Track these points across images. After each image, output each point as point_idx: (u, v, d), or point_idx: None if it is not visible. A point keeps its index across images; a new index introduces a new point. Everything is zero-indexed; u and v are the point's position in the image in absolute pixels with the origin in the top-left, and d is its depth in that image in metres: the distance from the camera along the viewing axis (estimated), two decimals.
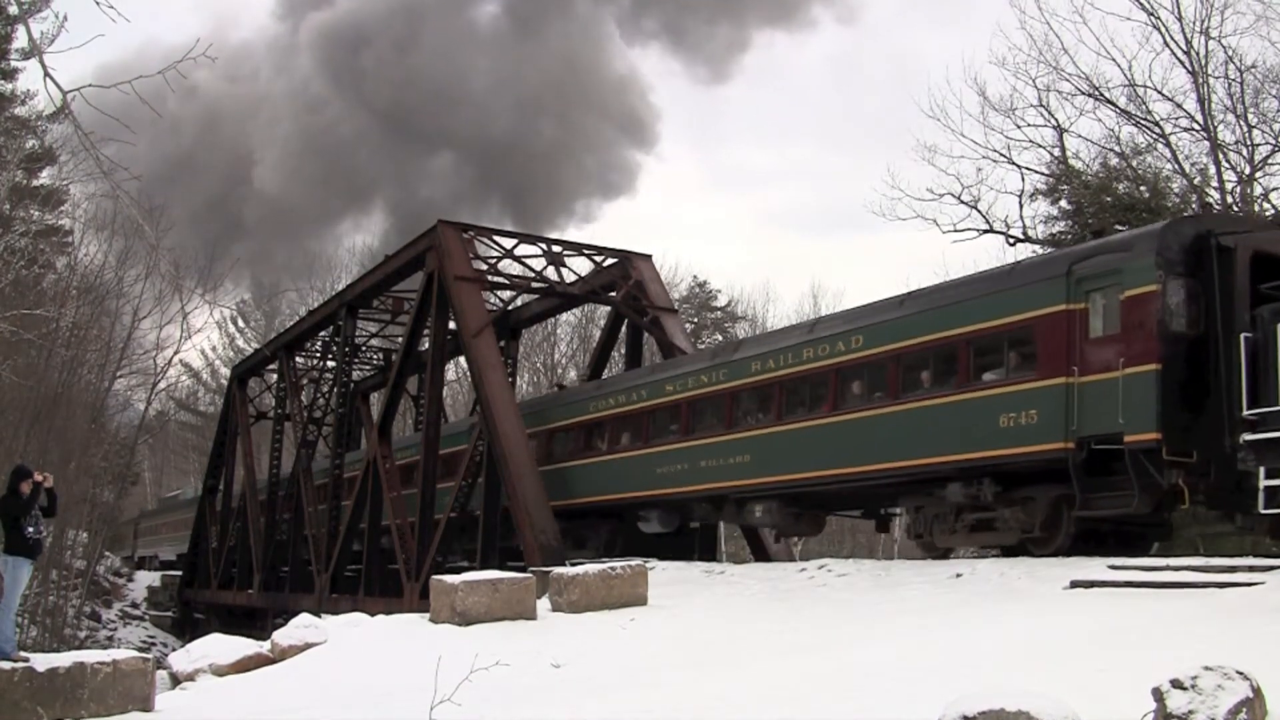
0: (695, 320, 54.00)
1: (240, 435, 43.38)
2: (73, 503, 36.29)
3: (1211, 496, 14.33)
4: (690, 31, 74.31)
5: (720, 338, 52.07)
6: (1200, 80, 25.86)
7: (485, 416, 25.22)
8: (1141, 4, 26.32)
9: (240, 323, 69.93)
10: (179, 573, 50.38)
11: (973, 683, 6.97)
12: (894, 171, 67.36)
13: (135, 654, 12.39)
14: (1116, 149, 27.16)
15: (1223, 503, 14.46)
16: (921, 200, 29.10)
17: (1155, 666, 6.39)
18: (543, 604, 15.42)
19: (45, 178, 38.66)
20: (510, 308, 32.20)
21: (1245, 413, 13.16)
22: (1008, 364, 15.92)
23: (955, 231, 28.21)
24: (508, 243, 29.22)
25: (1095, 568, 12.80)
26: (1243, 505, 13.58)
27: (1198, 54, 25.84)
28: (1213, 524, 21.04)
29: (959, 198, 28.03)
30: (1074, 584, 12.13)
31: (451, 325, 28.06)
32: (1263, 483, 12.69)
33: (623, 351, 33.98)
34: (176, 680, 14.00)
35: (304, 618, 15.42)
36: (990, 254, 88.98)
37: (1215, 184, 26.21)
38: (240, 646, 14.60)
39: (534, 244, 29.51)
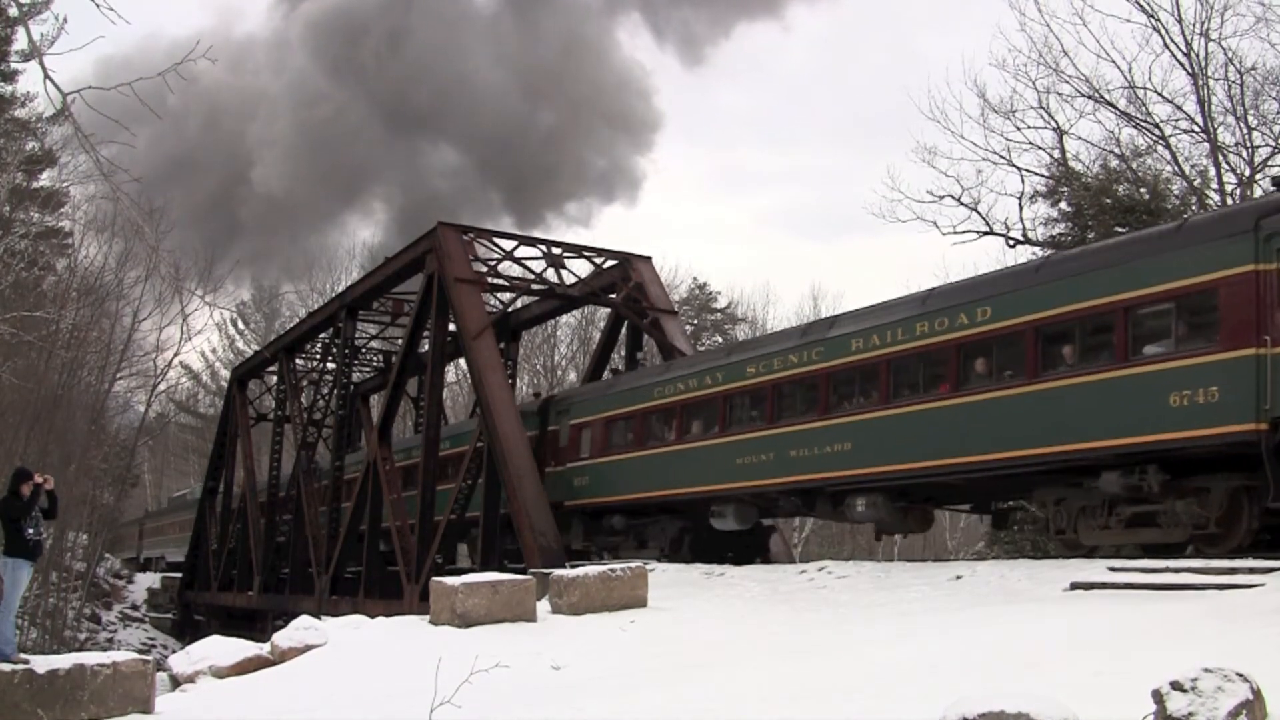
0: (695, 322, 54.00)
1: (240, 437, 43.42)
2: (72, 505, 36.29)
3: None
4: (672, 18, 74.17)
5: (720, 339, 52.06)
6: (1200, 82, 25.94)
7: (485, 418, 25.22)
8: (1141, 6, 26.42)
9: (240, 325, 70.05)
10: (179, 574, 50.42)
11: (973, 684, 6.97)
12: (894, 173, 67.58)
13: (135, 656, 12.39)
14: (1116, 151, 27.24)
15: None
16: (921, 202, 29.21)
17: (1155, 668, 6.39)
18: (543, 606, 15.41)
19: (45, 180, 38.71)
20: (510, 310, 32.24)
21: None
22: (1176, 334, 13.86)
23: (955, 233, 28.28)
24: (508, 245, 29.24)
25: (1095, 569, 12.80)
26: None
27: (1198, 56, 25.92)
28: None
29: (959, 200, 28.12)
30: (1074, 586, 12.13)
31: (451, 327, 28.09)
32: None
33: (622, 353, 34.00)
34: (176, 682, 14.00)
35: (304, 620, 15.41)
36: (990, 256, 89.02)
37: (1215, 186, 26.27)
38: (240, 648, 14.59)
39: (534, 246, 29.53)
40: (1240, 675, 5.76)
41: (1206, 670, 5.77)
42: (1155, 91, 27.05)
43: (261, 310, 69.66)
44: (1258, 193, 25.68)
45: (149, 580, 55.67)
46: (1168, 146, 26.75)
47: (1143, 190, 25.59)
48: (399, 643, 14.22)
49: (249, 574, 39.45)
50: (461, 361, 37.42)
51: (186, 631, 43.33)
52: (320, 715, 10.85)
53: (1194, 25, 26.17)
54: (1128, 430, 14.02)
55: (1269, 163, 26.20)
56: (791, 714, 7.97)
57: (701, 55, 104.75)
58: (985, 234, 28.26)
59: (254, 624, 36.89)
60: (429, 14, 54.19)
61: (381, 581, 28.89)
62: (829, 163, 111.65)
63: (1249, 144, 26.08)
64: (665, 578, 18.13)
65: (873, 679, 8.71)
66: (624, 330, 31.50)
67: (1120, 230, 22.35)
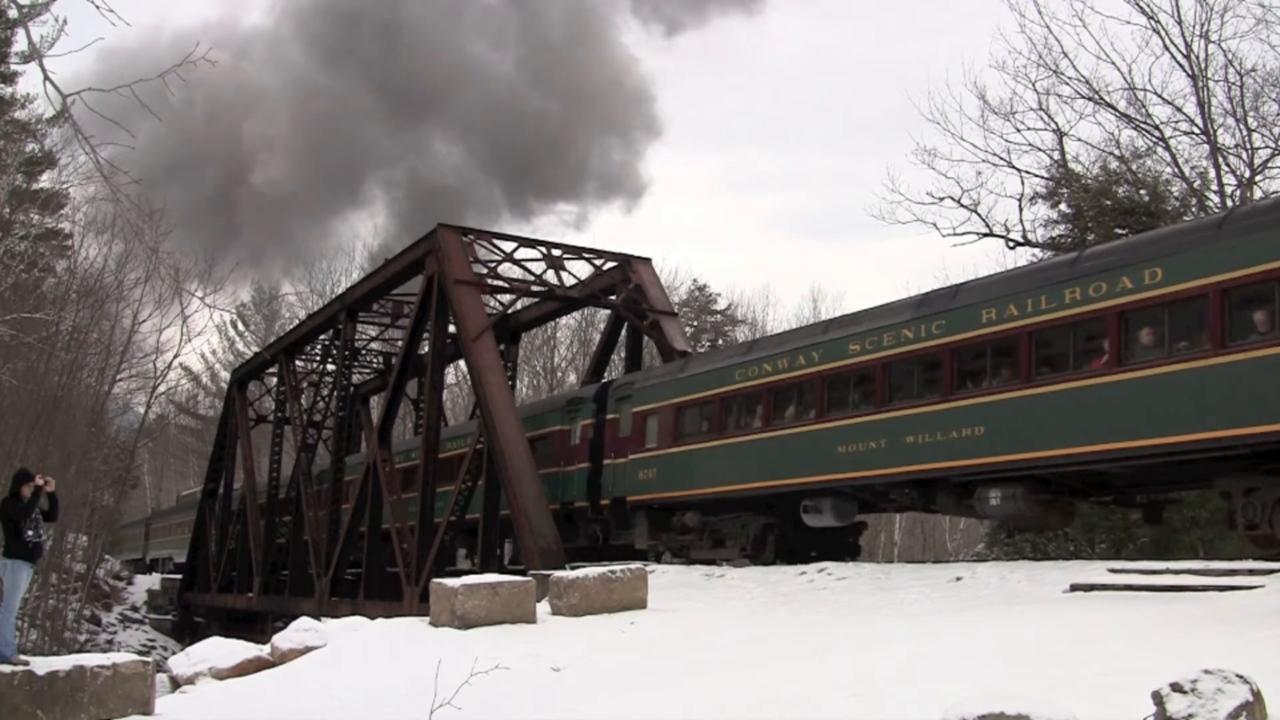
0: (695, 324, 54.03)
1: (240, 439, 43.44)
2: (73, 506, 36.30)
3: None
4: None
5: (720, 341, 52.09)
6: (1200, 84, 25.94)
7: (485, 420, 25.22)
8: (1141, 8, 26.43)
9: (240, 326, 70.09)
10: (179, 576, 50.44)
11: (972, 686, 6.97)
12: (894, 175, 67.58)
13: (135, 657, 12.39)
14: (1116, 152, 27.24)
15: None
16: (921, 204, 29.20)
17: (1155, 670, 6.39)
18: (542, 607, 15.42)
19: (45, 181, 38.74)
20: (510, 311, 32.26)
21: None
22: None
23: (955, 235, 28.28)
24: (507, 246, 29.25)
25: (1095, 571, 12.81)
26: None
27: (1197, 58, 25.92)
28: (1213, 528, 20.95)
29: (959, 201, 28.10)
30: (1074, 587, 12.14)
31: (451, 329, 28.09)
32: None
33: (623, 355, 34.02)
34: (176, 684, 13.99)
35: (304, 621, 15.41)
36: (990, 258, 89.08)
37: (1215, 187, 26.27)
38: (240, 650, 14.59)
39: (534, 248, 29.54)
40: (1240, 677, 5.76)
41: (1206, 672, 5.78)
42: (1155, 93, 27.15)
43: (261, 312, 69.78)
44: (1257, 194, 25.73)
45: (149, 582, 55.65)
46: (1168, 148, 26.77)
47: (1143, 192, 25.61)
48: (399, 644, 14.21)
49: (249, 575, 39.46)
50: (461, 363, 37.44)
51: (186, 633, 43.35)
52: (320, 717, 10.84)
53: (1194, 27, 26.21)
54: None
55: (1269, 165, 26.24)
56: (791, 715, 7.98)
57: (689, 46, 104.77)
58: (985, 236, 28.28)
59: (254, 625, 36.89)
60: (426, 2, 54.27)
61: (381, 583, 28.90)
62: (829, 165, 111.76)
63: (1249, 146, 26.10)
64: (665, 579, 18.13)
65: (873, 680, 8.71)
66: (624, 332, 31.52)
67: (1121, 232, 22.36)
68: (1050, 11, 52.71)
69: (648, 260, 30.39)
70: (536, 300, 31.60)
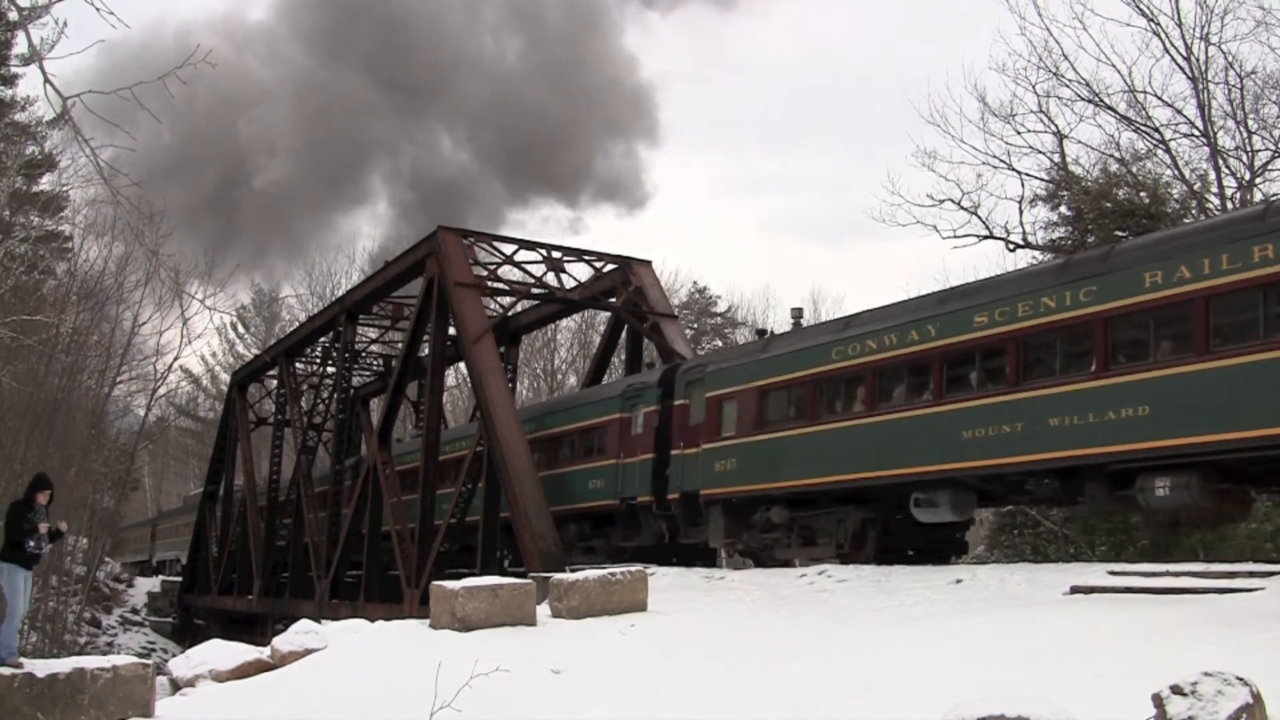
0: (695, 326, 54.04)
1: (240, 441, 43.45)
2: (72, 509, 36.28)
3: None
4: None
5: (720, 343, 52.11)
6: (1200, 86, 25.94)
7: (485, 421, 25.21)
8: (1141, 10, 26.43)
9: (240, 329, 70.10)
10: (179, 578, 50.43)
11: (972, 688, 6.97)
12: (894, 177, 67.59)
13: (135, 660, 12.39)
14: (1116, 155, 27.23)
15: None
16: (921, 206, 29.16)
17: (1155, 672, 6.39)
18: (543, 610, 15.42)
19: (45, 184, 38.76)
20: (510, 313, 32.27)
21: None
22: None
23: (955, 238, 28.26)
24: (508, 249, 29.27)
25: (1095, 573, 12.81)
26: None
27: (1198, 60, 25.93)
28: (1213, 529, 20.84)
29: (959, 203, 28.09)
30: (1074, 590, 12.13)
31: (451, 331, 28.10)
32: None
33: (622, 357, 34.02)
34: (176, 686, 13.99)
35: (304, 624, 15.41)
36: (990, 260, 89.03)
37: (1215, 190, 26.27)
38: (240, 652, 14.58)
39: (533, 250, 29.55)
40: (1240, 679, 5.76)
41: (1206, 674, 5.77)
42: (1155, 95, 27.07)
43: (261, 314, 69.78)
44: (1257, 197, 25.74)
45: (149, 584, 55.61)
46: (1168, 150, 26.78)
47: (1143, 194, 25.61)
48: (399, 647, 14.21)
49: (249, 578, 39.46)
50: (461, 365, 37.47)
51: (186, 635, 43.35)
52: (320, 719, 10.84)
53: (1194, 29, 26.20)
54: None
55: (1269, 167, 26.24)
56: (792, 718, 7.98)
57: (686, 43, 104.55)
58: (985, 238, 28.27)
59: (254, 628, 36.86)
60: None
61: (381, 585, 28.90)
62: (829, 167, 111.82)
63: (1249, 148, 26.11)
64: (665, 582, 18.13)
65: (873, 683, 8.71)
66: (624, 334, 31.53)
67: (1120, 234, 22.35)
68: (1050, 14, 52.58)
69: (648, 262, 30.41)
70: (536, 303, 31.61)
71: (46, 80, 8.02)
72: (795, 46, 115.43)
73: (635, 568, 16.45)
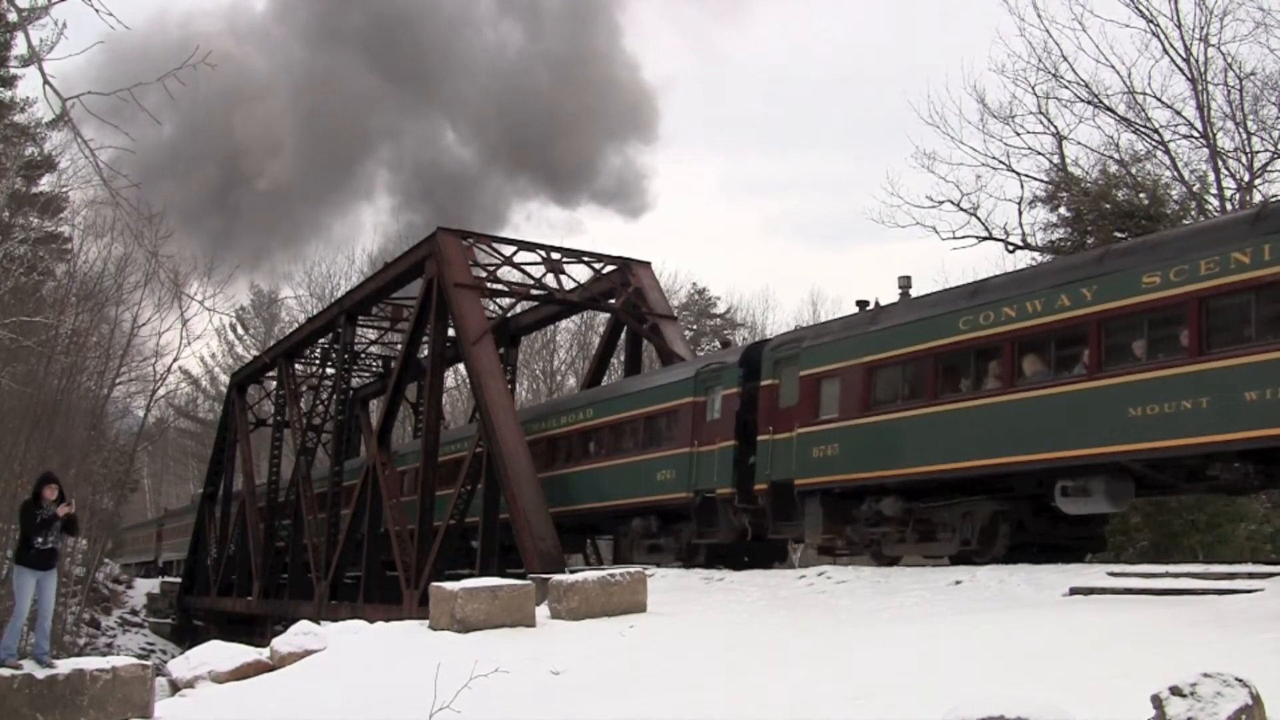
0: (694, 327, 54.03)
1: (240, 442, 43.45)
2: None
3: None
4: None
5: (719, 345, 52.11)
6: (1199, 87, 25.97)
7: (485, 423, 25.20)
8: (1141, 11, 26.45)
9: (239, 330, 70.08)
10: (178, 579, 50.40)
11: (972, 689, 6.97)
12: (893, 179, 67.61)
13: (135, 661, 12.40)
14: (1116, 156, 27.26)
15: None
16: (921, 207, 29.19)
17: (1154, 673, 6.39)
18: (542, 611, 15.43)
19: (45, 185, 38.76)
20: (509, 315, 32.26)
21: None
22: None
23: (954, 239, 28.27)
24: (507, 250, 29.27)
25: (1095, 575, 12.81)
26: None
27: (1197, 61, 25.95)
28: (1212, 531, 20.85)
29: (958, 205, 28.11)
30: (1073, 591, 12.13)
31: (451, 332, 28.11)
32: None
33: (622, 359, 34.01)
34: (176, 687, 13.99)
35: (303, 625, 15.42)
36: (990, 261, 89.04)
37: (1214, 191, 26.29)
38: (239, 654, 14.59)
39: (533, 251, 29.55)
40: (1240, 680, 5.76)
41: (1206, 675, 5.77)
42: (1154, 97, 27.10)
43: (261, 315, 69.74)
44: (1256, 198, 25.75)
45: (148, 585, 55.53)
46: (1167, 152, 26.80)
47: (1142, 195, 25.63)
48: (398, 648, 14.22)
49: (248, 579, 39.45)
50: (461, 366, 37.49)
51: (186, 636, 43.32)
52: None
53: (1193, 30, 26.26)
54: None
55: (1268, 168, 26.27)
56: (791, 719, 7.98)
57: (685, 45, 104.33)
58: (984, 239, 28.29)
59: (253, 629, 36.84)
60: None
61: (381, 587, 28.89)
62: (828, 169, 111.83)
63: (1248, 149, 26.14)
64: (665, 583, 18.13)
65: (872, 684, 8.71)
66: (623, 335, 31.53)
67: (1120, 236, 22.34)
68: (1049, 15, 52.59)
69: (647, 264, 30.41)
70: (536, 304, 31.61)
71: (46, 81, 8.04)
72: (794, 47, 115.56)
73: (635, 569, 16.46)
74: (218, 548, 44.28)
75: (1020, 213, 27.91)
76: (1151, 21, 26.43)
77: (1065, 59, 27.89)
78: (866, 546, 18.19)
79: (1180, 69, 26.27)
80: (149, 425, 54.55)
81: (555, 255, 29.60)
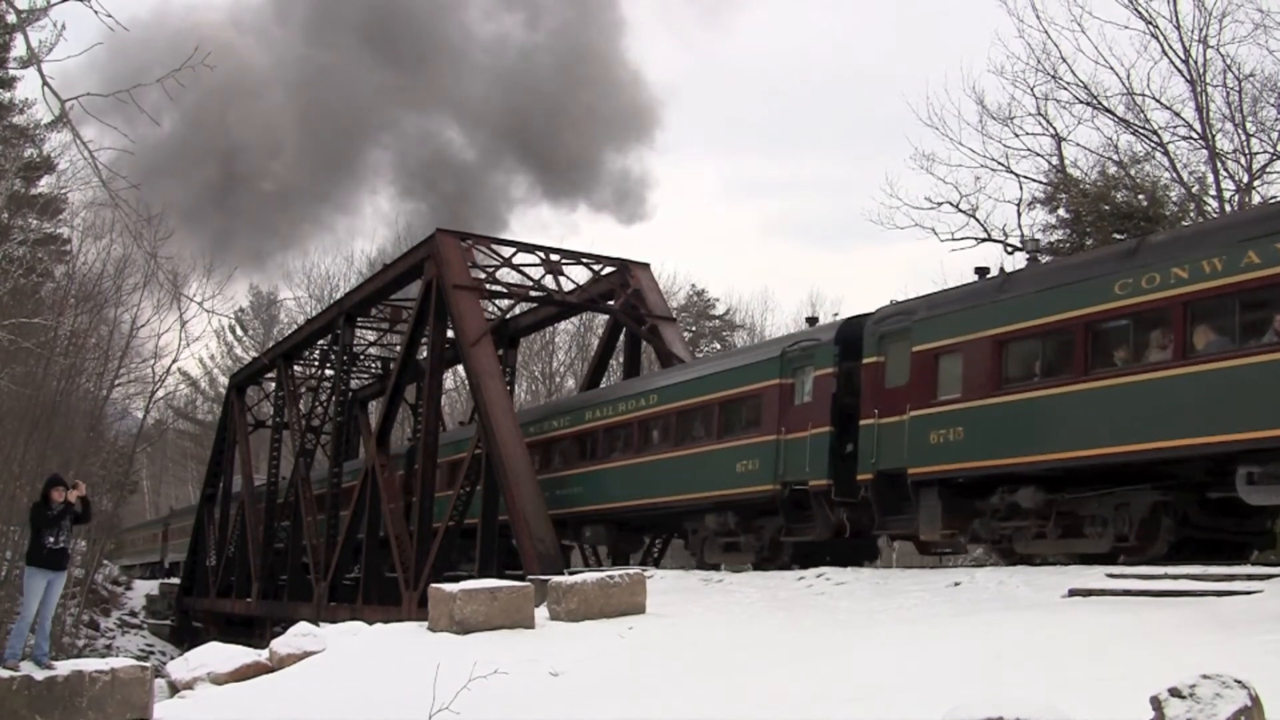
0: (693, 329, 54.04)
1: (239, 444, 43.44)
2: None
3: None
4: None
5: (719, 346, 52.12)
6: (1198, 89, 25.94)
7: (483, 424, 25.19)
8: (1140, 13, 26.40)
9: (238, 331, 70.06)
10: (177, 580, 50.37)
11: (972, 690, 6.97)
12: (892, 180, 67.62)
13: (134, 662, 12.40)
14: (1115, 157, 27.23)
15: None
16: (920, 209, 29.11)
17: (1153, 675, 6.40)
18: (541, 613, 15.43)
19: (44, 186, 38.76)
20: (508, 316, 32.26)
21: None
22: None
23: (954, 240, 28.23)
24: (506, 251, 29.27)
25: (1094, 576, 12.81)
26: None
27: (1196, 62, 25.91)
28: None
29: (957, 206, 28.07)
30: (1072, 592, 12.13)
31: (450, 333, 28.11)
32: None
33: (621, 360, 34.01)
34: (175, 689, 14.00)
35: (302, 626, 15.42)
36: (989, 262, 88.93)
37: (1213, 193, 26.27)
38: (238, 655, 14.60)
39: (532, 253, 29.55)
40: (1239, 682, 5.76)
41: (1205, 677, 5.78)
42: (1153, 98, 27.04)
43: (260, 317, 69.71)
44: (1255, 200, 25.74)
45: (148, 587, 55.46)
46: (1166, 153, 26.77)
47: (1141, 197, 25.62)
48: (397, 649, 14.23)
49: (247, 580, 39.44)
50: (460, 368, 37.48)
51: (185, 638, 43.28)
52: None
53: (1192, 32, 26.18)
54: None
55: (1267, 169, 26.24)
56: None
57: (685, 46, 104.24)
58: (984, 240, 28.26)
59: (252, 630, 36.81)
60: None
61: (380, 588, 28.89)
62: (827, 170, 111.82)
63: (1247, 151, 26.09)
64: (664, 584, 18.14)
65: (872, 685, 8.71)
66: (622, 337, 31.54)
67: (1119, 237, 22.35)
68: (1048, 16, 52.46)
69: (646, 265, 30.40)
70: (535, 305, 31.61)
71: (45, 83, 8.04)
72: (795, 48, 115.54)
73: (634, 570, 16.47)
74: (217, 549, 44.26)
75: (1019, 214, 27.88)
76: (1150, 23, 26.41)
77: (1064, 60, 27.80)
78: (995, 543, 16.26)
79: (1179, 70, 26.26)
80: (148, 427, 54.48)
81: (554, 257, 29.59)
